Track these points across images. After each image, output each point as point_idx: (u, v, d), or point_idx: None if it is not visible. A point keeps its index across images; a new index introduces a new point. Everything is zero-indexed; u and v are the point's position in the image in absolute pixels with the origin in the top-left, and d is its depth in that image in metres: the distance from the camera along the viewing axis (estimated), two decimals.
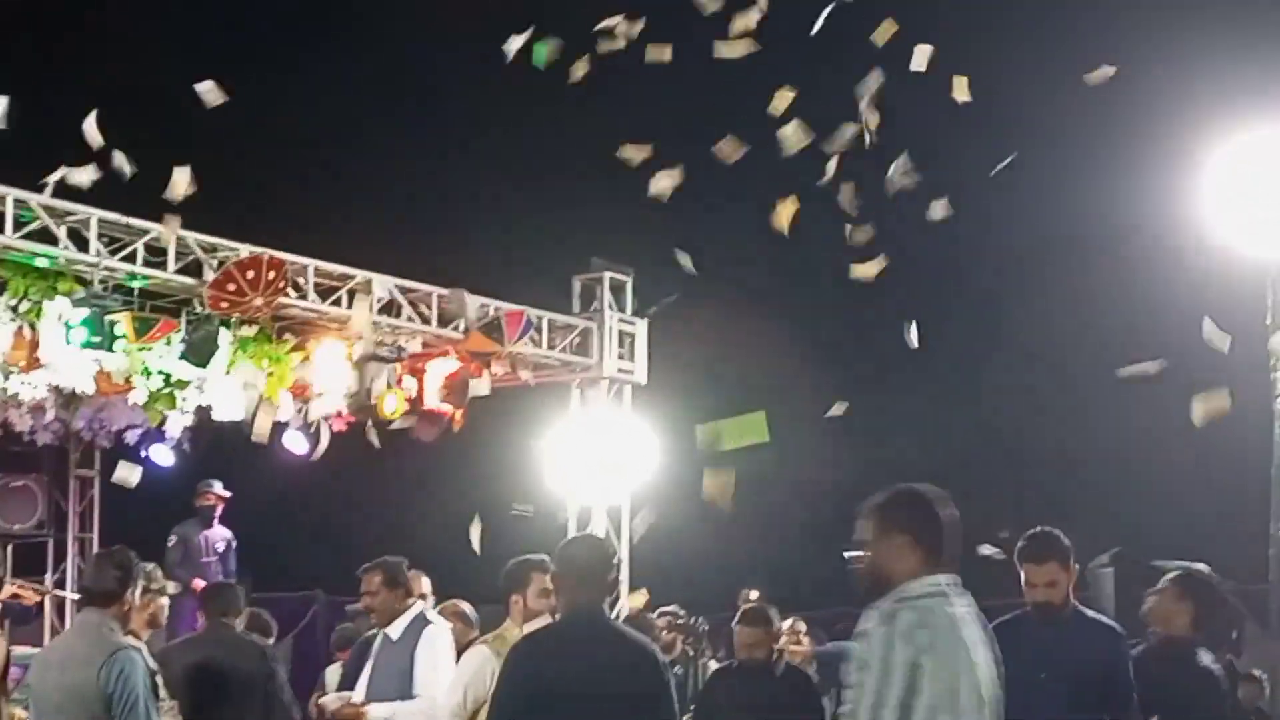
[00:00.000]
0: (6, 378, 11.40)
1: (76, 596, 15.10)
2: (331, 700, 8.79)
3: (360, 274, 12.63)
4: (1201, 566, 12.43)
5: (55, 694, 6.93)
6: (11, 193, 10.65)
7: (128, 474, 10.95)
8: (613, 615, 9.98)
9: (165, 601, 8.31)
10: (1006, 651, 7.08)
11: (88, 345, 11.13)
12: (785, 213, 8.31)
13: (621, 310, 14.60)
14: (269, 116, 15.76)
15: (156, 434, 13.51)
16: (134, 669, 6.91)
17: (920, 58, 8.03)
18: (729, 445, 8.76)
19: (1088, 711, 7.17)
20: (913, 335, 9.15)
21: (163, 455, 14.29)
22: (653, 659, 6.75)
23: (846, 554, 6.08)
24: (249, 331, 12.29)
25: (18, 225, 10.72)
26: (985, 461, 17.96)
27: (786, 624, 12.12)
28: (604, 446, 14.21)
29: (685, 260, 9.00)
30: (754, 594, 14.35)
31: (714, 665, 12.47)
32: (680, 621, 12.17)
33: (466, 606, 9.80)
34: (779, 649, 9.64)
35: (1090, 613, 7.68)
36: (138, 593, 7.17)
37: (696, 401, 11.08)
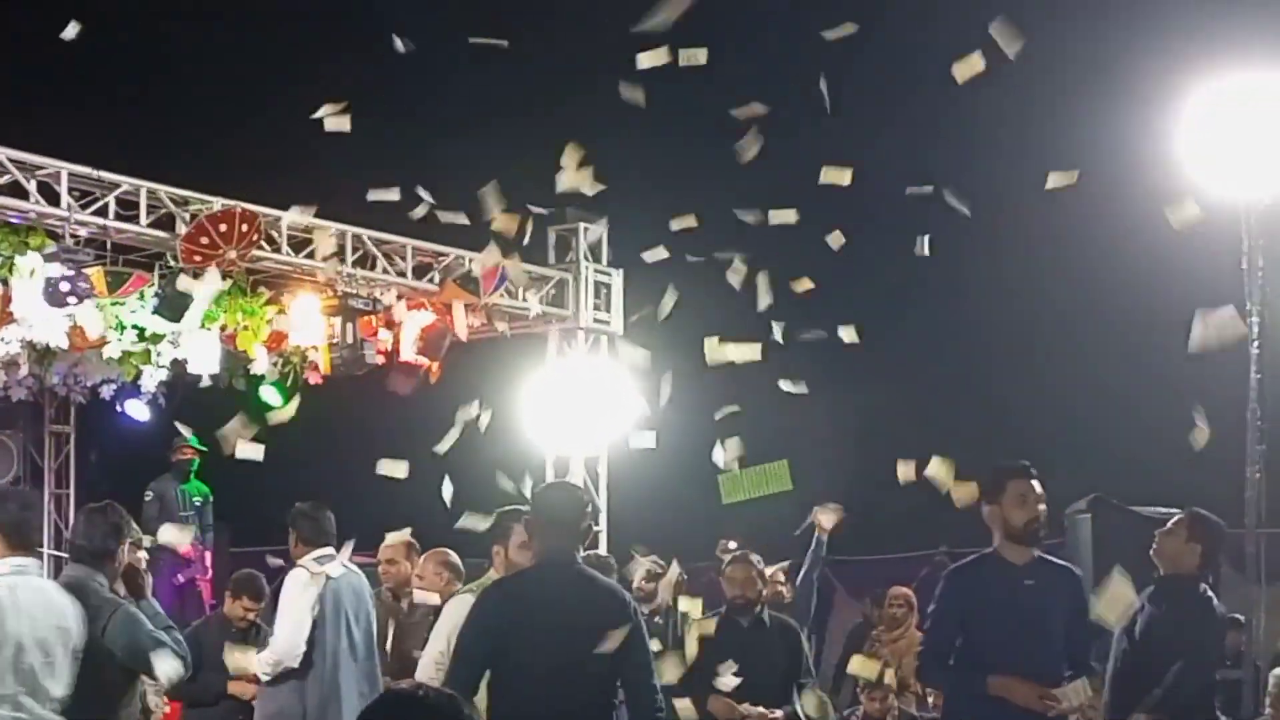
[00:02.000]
0: None
1: (55, 553, 15.10)
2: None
3: (334, 226, 12.57)
4: (1176, 512, 12.51)
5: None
6: None
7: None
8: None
9: (143, 555, 8.31)
10: (972, 596, 7.18)
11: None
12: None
13: (597, 261, 14.57)
14: (237, 66, 15.69)
15: (132, 389, 13.47)
16: (138, 622, 6.94)
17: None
18: (752, 494, 8.85)
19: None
20: (925, 246, 9.12)
21: (138, 410, 14.26)
22: (621, 599, 6.77)
23: None
24: (222, 285, 12.24)
25: None
26: (960, 406, 17.98)
27: (769, 571, 12.17)
28: (581, 397, 14.20)
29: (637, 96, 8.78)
30: (733, 544, 14.37)
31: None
32: (659, 571, 12.17)
33: (453, 556, 9.83)
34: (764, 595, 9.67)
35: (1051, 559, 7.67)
36: (126, 549, 7.16)
37: (673, 351, 11.04)
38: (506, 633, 6.56)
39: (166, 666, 6.99)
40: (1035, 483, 7.32)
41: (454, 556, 9.83)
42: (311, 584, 8.92)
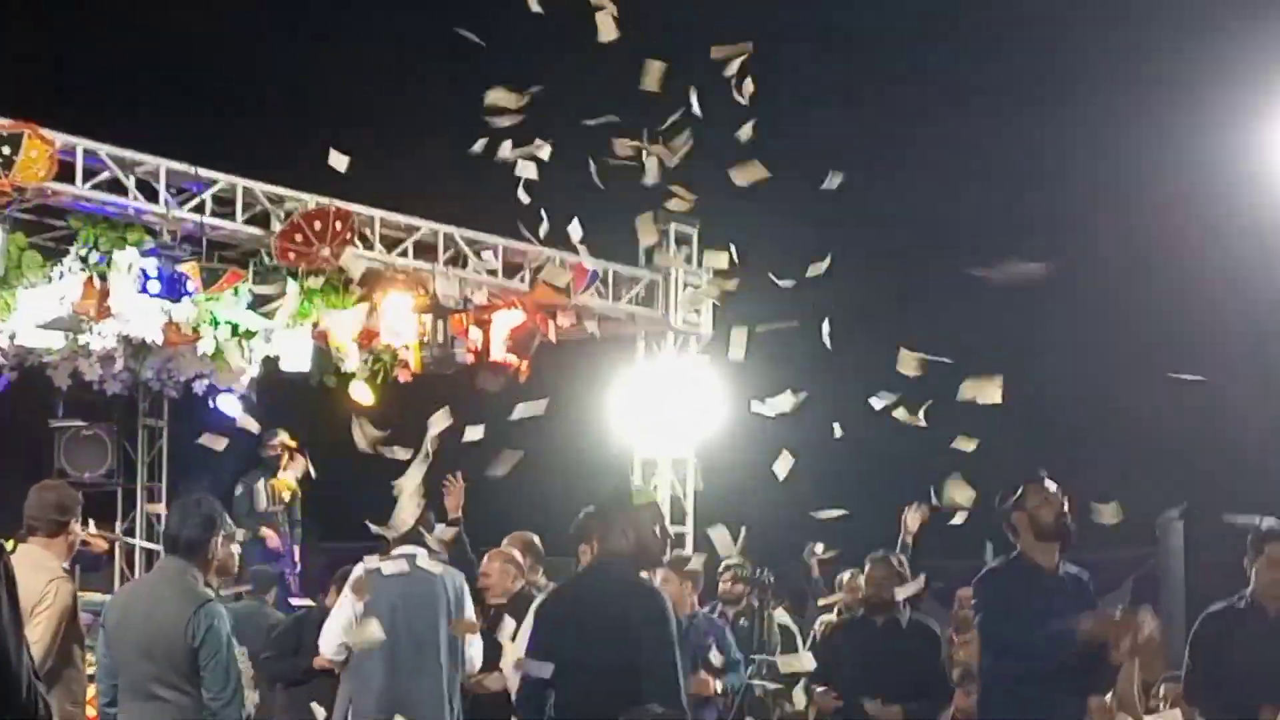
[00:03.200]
0: (77, 328, 11.49)
1: (147, 544, 15.27)
2: None
3: (426, 225, 12.63)
4: (1273, 521, 12.35)
5: (139, 639, 7.00)
6: (82, 142, 10.69)
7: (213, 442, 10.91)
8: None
9: (236, 549, 8.38)
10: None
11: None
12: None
13: (689, 263, 14.54)
14: (336, 68, 15.79)
15: (224, 384, 13.58)
16: (221, 623, 6.99)
17: None
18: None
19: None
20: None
21: (230, 405, 14.38)
22: (652, 598, 6.79)
23: None
24: (316, 282, 12.35)
25: (87, 175, 10.76)
26: (1058, 418, 17.83)
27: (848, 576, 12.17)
28: (671, 399, 14.19)
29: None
30: (819, 547, 14.33)
31: (782, 614, 12.50)
32: (745, 573, 12.15)
33: (533, 537, 9.95)
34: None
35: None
36: (219, 542, 7.23)
37: (764, 354, 11.00)
38: (545, 637, 6.75)
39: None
40: (1051, 483, 7.37)
41: (533, 537, 9.95)
42: (363, 580, 9.09)
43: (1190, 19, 15.43)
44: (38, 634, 6.80)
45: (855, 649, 9.35)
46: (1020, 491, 7.43)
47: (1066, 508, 7.39)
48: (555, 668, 6.58)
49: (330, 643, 9.19)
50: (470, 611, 9.30)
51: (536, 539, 10.08)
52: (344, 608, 9.15)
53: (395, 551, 9.14)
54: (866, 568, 9.72)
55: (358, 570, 9.13)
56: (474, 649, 9.22)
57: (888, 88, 17.21)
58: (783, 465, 8.45)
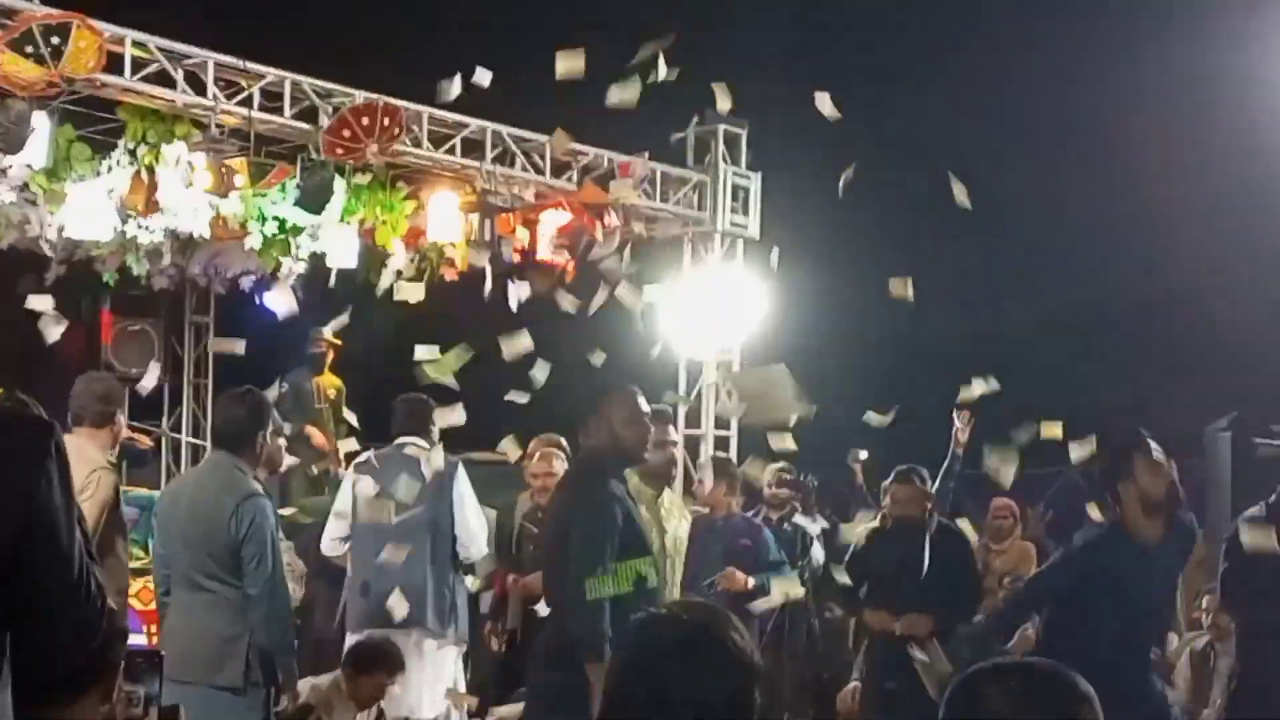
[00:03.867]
0: (125, 221, 11.49)
1: (193, 440, 15.36)
2: None
3: (475, 122, 12.56)
4: None
5: (184, 529, 7.07)
6: (130, 34, 10.64)
7: (231, 345, 11.01)
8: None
9: (282, 443, 8.40)
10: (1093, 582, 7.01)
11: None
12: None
13: (736, 164, 14.45)
14: None
15: (270, 280, 13.60)
16: (264, 517, 7.04)
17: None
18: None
19: None
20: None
21: (279, 302, 14.39)
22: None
23: None
24: (363, 179, 12.32)
25: (136, 68, 10.72)
26: (1104, 320, 17.75)
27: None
28: (716, 301, 14.14)
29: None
30: (863, 454, 14.33)
31: (821, 522, 12.51)
32: (789, 478, 12.14)
33: (561, 440, 10.04)
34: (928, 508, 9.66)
35: None
36: (268, 435, 7.25)
37: (811, 256, 10.98)
38: None
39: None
40: (1155, 445, 7.16)
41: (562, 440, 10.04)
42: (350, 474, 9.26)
43: None
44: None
45: (884, 562, 9.33)
46: (1125, 457, 7.17)
47: (1176, 475, 7.18)
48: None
49: (326, 537, 9.31)
50: (465, 494, 9.33)
51: (564, 442, 10.12)
52: (339, 500, 9.27)
53: (396, 443, 9.27)
54: (890, 484, 9.66)
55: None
56: (471, 530, 9.26)
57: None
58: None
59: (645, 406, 7.02)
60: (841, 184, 9.04)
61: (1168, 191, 17.29)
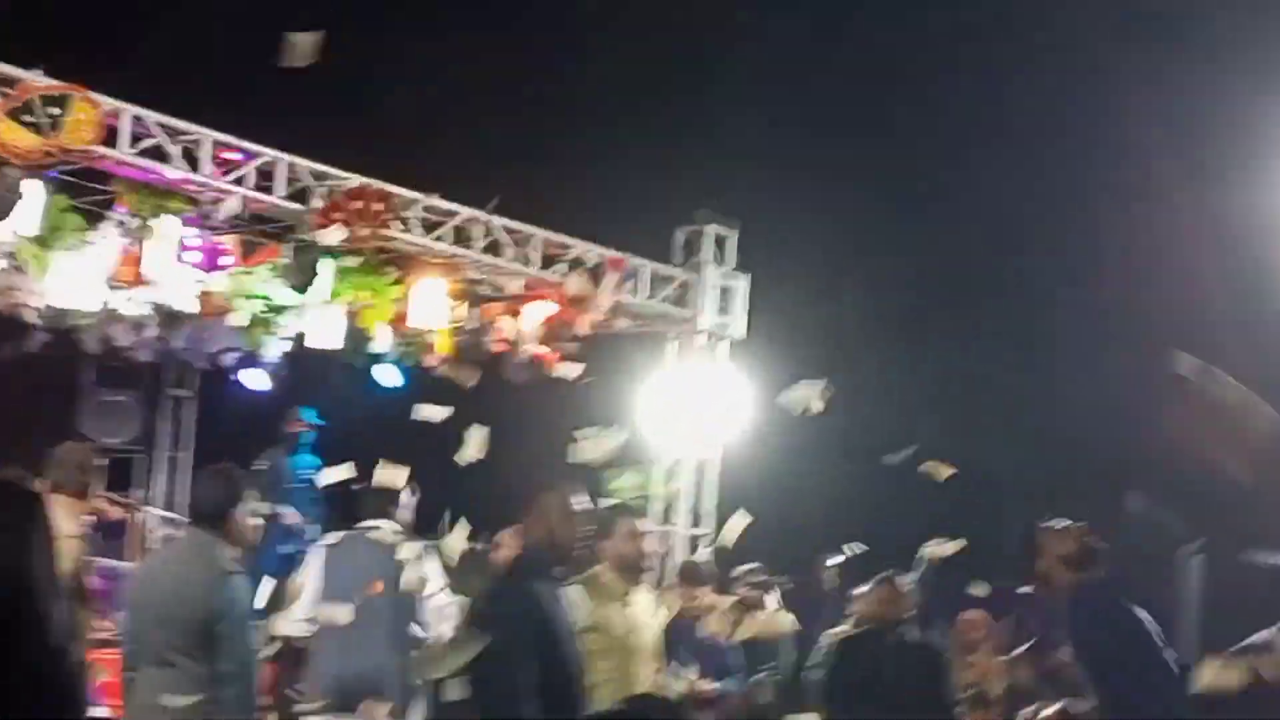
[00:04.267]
0: (111, 292, 11.49)
1: (166, 514, 15.30)
2: None
3: (466, 211, 12.63)
4: None
5: (159, 606, 7.02)
6: (129, 108, 10.70)
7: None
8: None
9: (258, 521, 8.37)
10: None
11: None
12: None
13: (725, 264, 14.52)
14: (380, 51, 15.79)
15: (252, 358, 13.61)
16: (242, 595, 7.00)
17: None
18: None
19: None
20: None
21: (255, 379, 14.41)
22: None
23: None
24: (352, 261, 12.35)
25: (133, 141, 10.77)
26: (1081, 446, 17.78)
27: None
28: (698, 400, 14.16)
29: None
30: (836, 559, 14.30)
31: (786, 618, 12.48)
32: (761, 579, 12.14)
33: None
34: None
35: None
36: (243, 513, 7.24)
37: (794, 357, 11.03)
38: None
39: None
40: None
41: None
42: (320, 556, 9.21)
43: None
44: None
45: (859, 665, 9.33)
46: (1027, 539, 7.30)
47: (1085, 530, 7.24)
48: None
49: (292, 619, 9.23)
50: (430, 577, 9.28)
51: None
52: (307, 585, 9.22)
53: (360, 525, 9.26)
54: (871, 587, 9.72)
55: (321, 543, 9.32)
56: (430, 613, 9.22)
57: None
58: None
59: (578, 505, 7.08)
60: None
61: (1149, 317, 17.38)
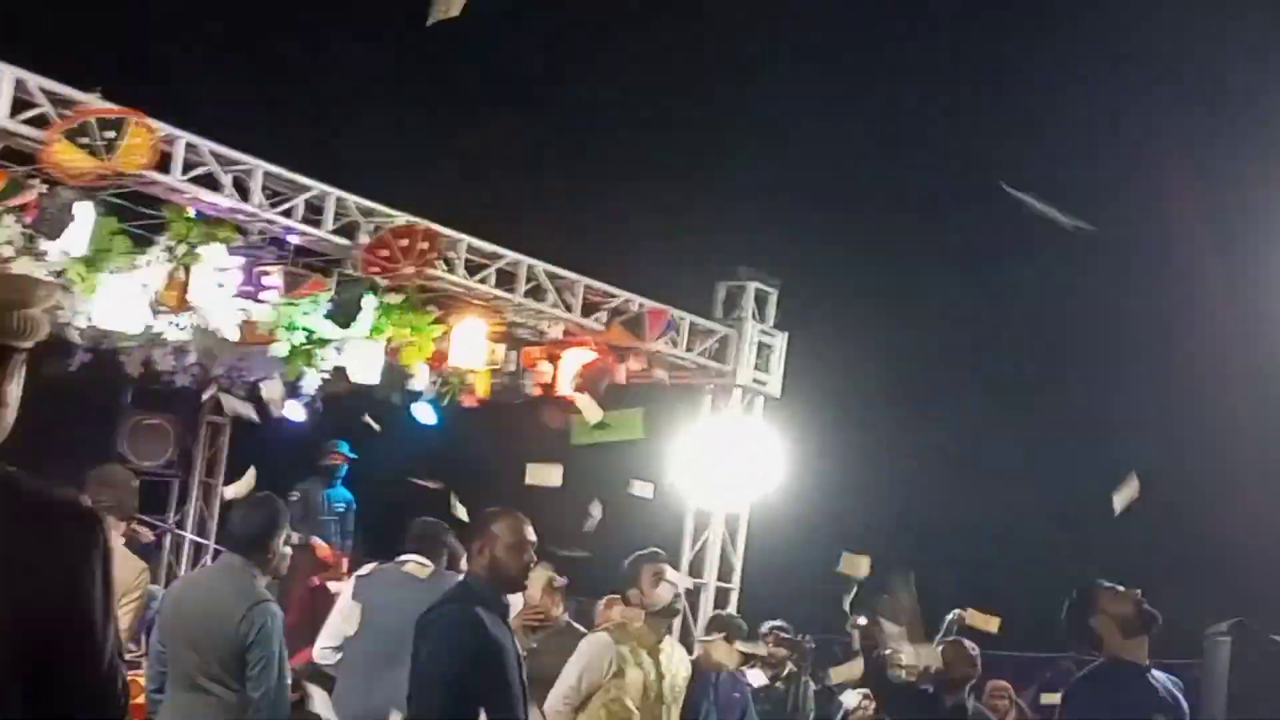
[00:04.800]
0: (155, 316, 11.58)
1: (197, 539, 15.37)
2: None
3: (511, 255, 12.70)
4: None
5: (191, 630, 7.06)
6: (183, 136, 10.81)
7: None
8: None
9: (288, 551, 8.41)
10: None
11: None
12: None
13: (763, 321, 14.57)
14: (434, 96, 15.91)
15: (291, 389, 13.68)
16: (275, 623, 7.04)
17: None
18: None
19: None
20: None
21: (295, 411, 14.47)
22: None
23: None
24: (395, 298, 12.41)
25: (185, 168, 10.87)
26: (1109, 517, 17.73)
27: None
28: (731, 455, 14.19)
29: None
30: (863, 619, 14.27)
31: (814, 685, 12.47)
32: (787, 637, 12.13)
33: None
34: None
35: None
36: (279, 542, 7.27)
37: (830, 417, 11.05)
38: None
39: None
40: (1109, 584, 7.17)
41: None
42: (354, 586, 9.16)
43: None
44: (126, 621, 6.86)
45: None
46: (1082, 596, 7.18)
47: (1141, 595, 7.17)
48: None
49: (319, 645, 9.18)
50: None
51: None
52: (335, 613, 9.19)
53: (399, 559, 9.24)
54: (939, 646, 9.68)
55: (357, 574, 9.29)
56: None
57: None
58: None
59: (530, 534, 6.99)
60: None
61: (1177, 390, 17.36)
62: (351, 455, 14.56)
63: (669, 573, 8.65)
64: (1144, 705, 6.97)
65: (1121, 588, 7.09)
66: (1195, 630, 13.20)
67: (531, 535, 6.97)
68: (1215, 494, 18.04)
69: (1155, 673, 7.07)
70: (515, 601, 8.46)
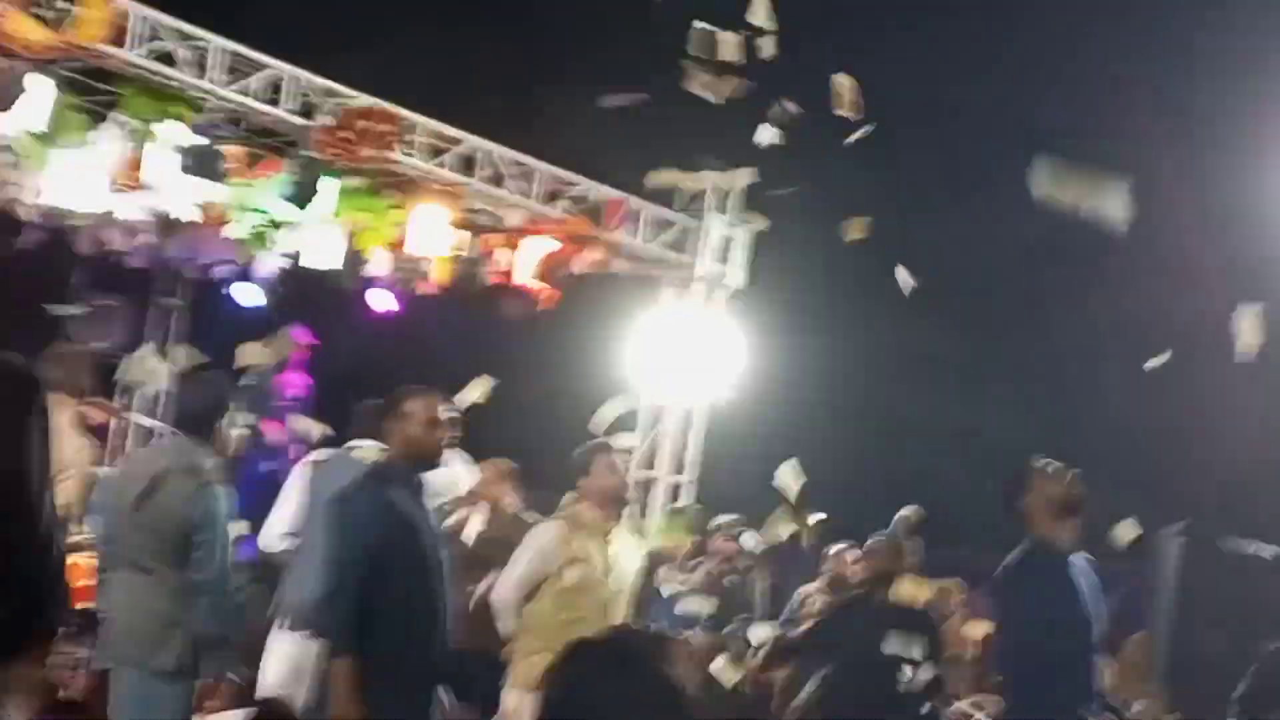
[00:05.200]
0: (108, 195, 11.40)
1: (148, 421, 15.21)
2: None
3: (471, 139, 12.53)
4: (1273, 549, 12.31)
5: (135, 511, 6.95)
6: (141, 10, 10.59)
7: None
8: None
9: (240, 433, 8.32)
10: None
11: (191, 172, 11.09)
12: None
13: (726, 213, 14.42)
14: None
15: (245, 273, 13.54)
16: (220, 504, 6.93)
17: None
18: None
19: None
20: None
21: (249, 294, 14.33)
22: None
23: None
24: (354, 182, 12.23)
25: (140, 42, 10.66)
26: (1071, 415, 17.76)
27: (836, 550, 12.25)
28: (690, 348, 14.10)
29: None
30: (819, 515, 14.28)
31: (766, 581, 12.49)
32: (739, 532, 12.12)
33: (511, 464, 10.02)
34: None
35: None
36: (226, 421, 7.17)
37: (793, 310, 10.98)
38: None
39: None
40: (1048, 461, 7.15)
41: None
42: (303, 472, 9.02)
43: None
44: (64, 497, 6.77)
45: (853, 626, 9.32)
46: (1019, 476, 7.18)
47: (1073, 478, 7.14)
48: None
49: (270, 534, 9.01)
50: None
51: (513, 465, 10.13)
52: (285, 500, 9.06)
53: (346, 445, 9.14)
54: (874, 544, 9.75)
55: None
56: None
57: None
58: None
59: (442, 412, 6.92)
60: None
61: (1135, 300, 17.37)
62: (307, 341, 14.39)
63: (619, 462, 8.54)
64: (1060, 599, 6.94)
65: (1056, 467, 7.06)
66: (1147, 531, 13.26)
67: (444, 413, 6.91)
68: (1169, 399, 18.10)
69: (1074, 559, 7.06)
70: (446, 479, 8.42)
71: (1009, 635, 7.27)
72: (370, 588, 6.39)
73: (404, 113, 11.94)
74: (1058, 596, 6.93)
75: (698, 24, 8.91)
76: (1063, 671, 6.85)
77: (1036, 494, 7.07)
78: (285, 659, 8.19)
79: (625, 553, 8.30)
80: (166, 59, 10.89)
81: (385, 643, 6.33)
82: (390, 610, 6.40)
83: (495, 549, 9.25)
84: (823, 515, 11.87)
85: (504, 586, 8.07)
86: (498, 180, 12.86)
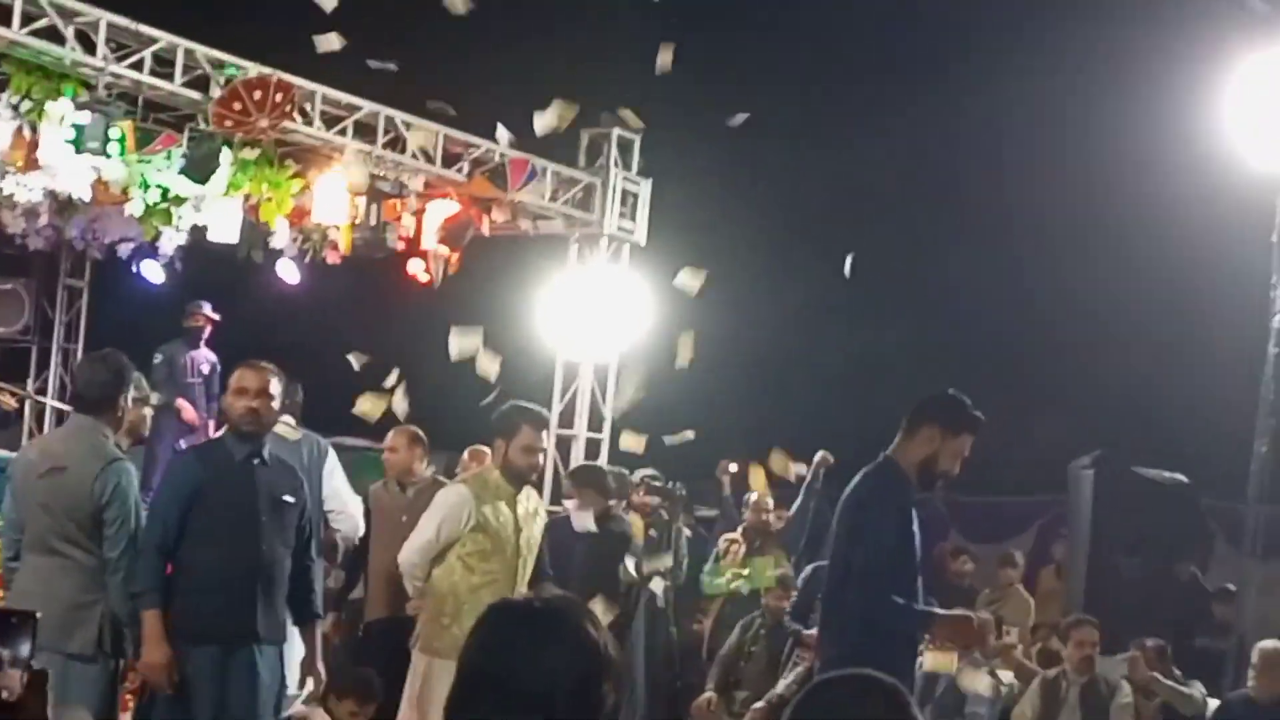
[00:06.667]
0: (2, 178, 11.25)
1: (58, 404, 15.10)
2: None
3: (367, 105, 12.46)
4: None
5: (43, 494, 6.89)
6: None
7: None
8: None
9: (149, 413, 8.24)
10: None
11: (85, 150, 10.95)
12: None
13: (628, 168, 14.44)
14: None
15: (149, 250, 13.42)
16: (128, 482, 6.89)
17: None
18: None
19: None
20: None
21: (154, 272, 14.21)
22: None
23: None
24: (250, 154, 12.13)
25: (25, 21, 10.52)
26: (972, 351, 17.93)
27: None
28: (598, 304, 14.12)
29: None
30: (733, 466, 14.36)
31: (687, 531, 12.56)
32: (658, 485, 12.16)
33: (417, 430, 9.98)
34: None
35: None
36: (129, 399, 7.11)
37: (695, 264, 11.02)
38: None
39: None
40: None
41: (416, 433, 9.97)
42: None
43: None
44: None
45: None
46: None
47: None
48: None
49: None
50: (335, 473, 9.19)
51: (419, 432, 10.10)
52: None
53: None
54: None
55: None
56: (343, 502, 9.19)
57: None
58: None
59: (251, 382, 7.17)
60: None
61: (1042, 228, 17.52)
62: (214, 316, 14.28)
63: (542, 440, 8.48)
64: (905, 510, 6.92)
65: (950, 393, 7.05)
66: (1060, 463, 13.43)
67: (251, 383, 7.14)
68: (1081, 330, 18.30)
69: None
70: None
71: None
72: (166, 535, 6.95)
73: (300, 81, 11.85)
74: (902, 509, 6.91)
75: None
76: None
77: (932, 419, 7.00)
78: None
79: (532, 514, 8.25)
80: (55, 35, 10.75)
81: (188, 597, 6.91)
82: (194, 564, 6.95)
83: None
84: (690, 434, 11.80)
85: (412, 550, 8.05)
86: (397, 145, 12.80)
